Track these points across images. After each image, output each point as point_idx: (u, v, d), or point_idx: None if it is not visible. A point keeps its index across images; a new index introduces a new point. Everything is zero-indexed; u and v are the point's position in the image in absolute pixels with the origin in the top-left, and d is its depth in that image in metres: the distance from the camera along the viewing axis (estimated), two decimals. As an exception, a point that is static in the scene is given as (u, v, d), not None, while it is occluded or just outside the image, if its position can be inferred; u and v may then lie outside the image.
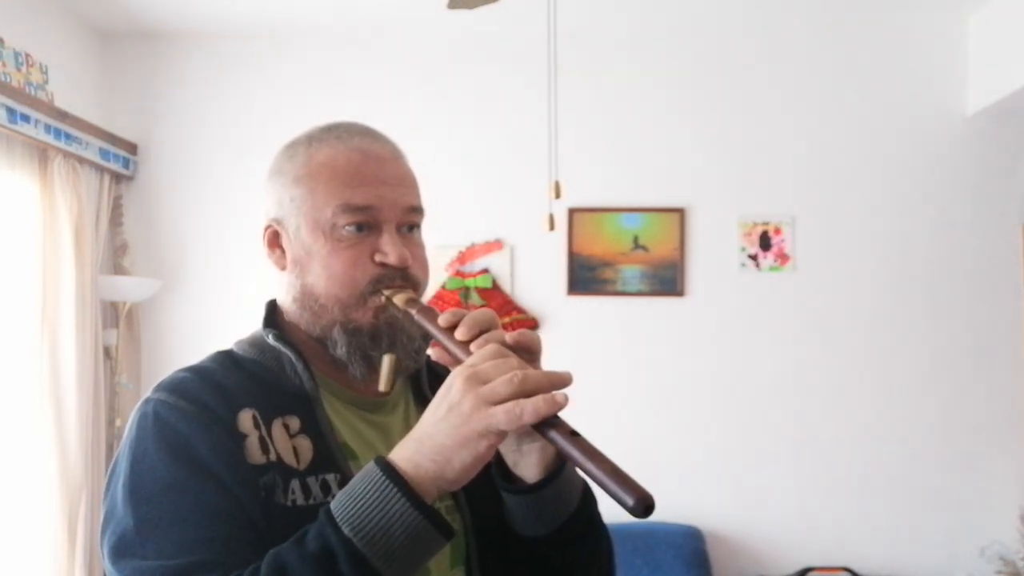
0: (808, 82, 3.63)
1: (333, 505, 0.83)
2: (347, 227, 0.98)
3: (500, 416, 0.79)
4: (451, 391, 0.83)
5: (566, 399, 0.80)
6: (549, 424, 0.80)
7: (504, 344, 0.88)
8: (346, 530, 0.80)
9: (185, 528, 0.85)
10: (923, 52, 3.60)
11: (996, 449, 3.50)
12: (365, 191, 0.99)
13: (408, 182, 1.04)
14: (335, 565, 0.79)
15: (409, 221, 1.02)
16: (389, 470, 0.82)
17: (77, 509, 3.24)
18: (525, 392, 0.80)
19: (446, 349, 0.92)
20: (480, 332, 0.90)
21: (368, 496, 0.81)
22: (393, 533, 0.80)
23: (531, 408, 0.79)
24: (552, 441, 0.80)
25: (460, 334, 0.90)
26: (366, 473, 0.83)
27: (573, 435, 0.79)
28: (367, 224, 0.99)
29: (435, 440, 0.82)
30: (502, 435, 0.82)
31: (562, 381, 0.82)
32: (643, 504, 0.73)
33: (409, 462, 0.83)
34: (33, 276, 3.18)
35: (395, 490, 0.81)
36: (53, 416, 3.18)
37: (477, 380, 0.82)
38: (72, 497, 3.23)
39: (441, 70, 3.72)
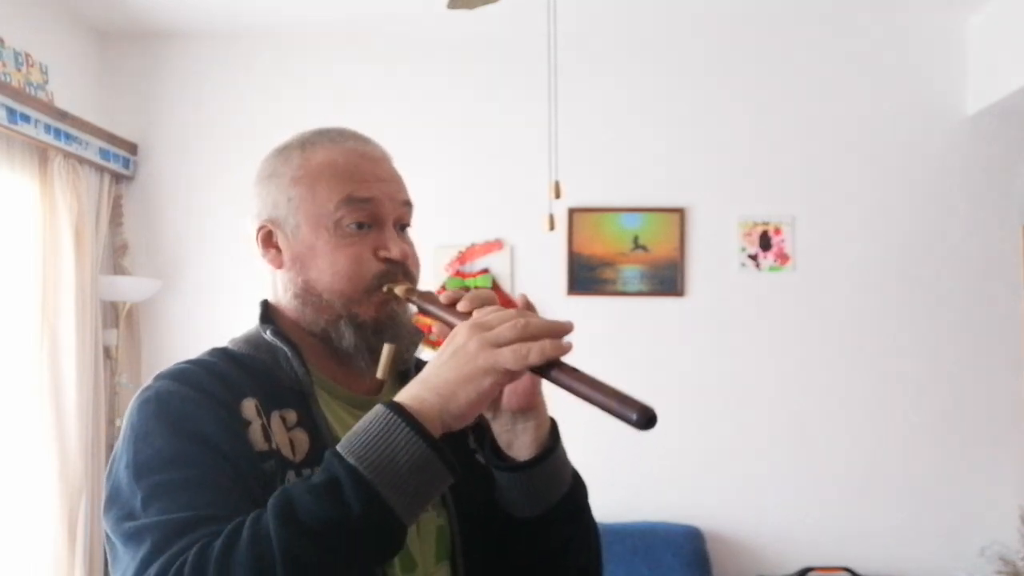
0: (808, 82, 3.63)
1: (339, 445, 0.84)
2: (350, 224, 1.02)
3: (507, 355, 0.83)
4: (456, 337, 0.86)
5: (570, 345, 0.84)
6: (550, 365, 0.84)
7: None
8: (351, 460, 0.81)
9: (189, 493, 0.86)
10: (923, 52, 3.60)
11: (996, 449, 3.50)
12: (367, 186, 1.03)
13: (399, 180, 1.09)
14: (341, 492, 0.79)
15: (404, 217, 1.07)
16: (394, 405, 0.84)
17: (77, 509, 3.24)
18: (530, 336, 0.84)
19: (447, 324, 0.95)
20: (481, 305, 0.94)
21: (372, 429, 0.83)
22: (399, 461, 0.81)
23: (538, 349, 0.83)
24: (554, 379, 0.84)
25: (462, 306, 0.94)
26: (371, 413, 0.85)
27: (574, 371, 0.83)
28: (368, 222, 1.03)
29: (440, 376, 0.85)
30: (507, 375, 0.84)
31: (564, 329, 0.86)
32: (645, 416, 0.78)
33: (414, 398, 0.85)
34: (33, 276, 3.18)
35: (400, 421, 0.82)
36: (53, 416, 3.18)
37: (481, 327, 0.86)
38: (72, 497, 3.23)
39: (441, 70, 3.72)
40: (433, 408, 0.84)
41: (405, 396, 0.86)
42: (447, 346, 0.87)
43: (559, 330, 0.85)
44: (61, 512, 3.18)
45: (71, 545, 3.21)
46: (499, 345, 0.83)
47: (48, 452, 3.16)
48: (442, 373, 0.85)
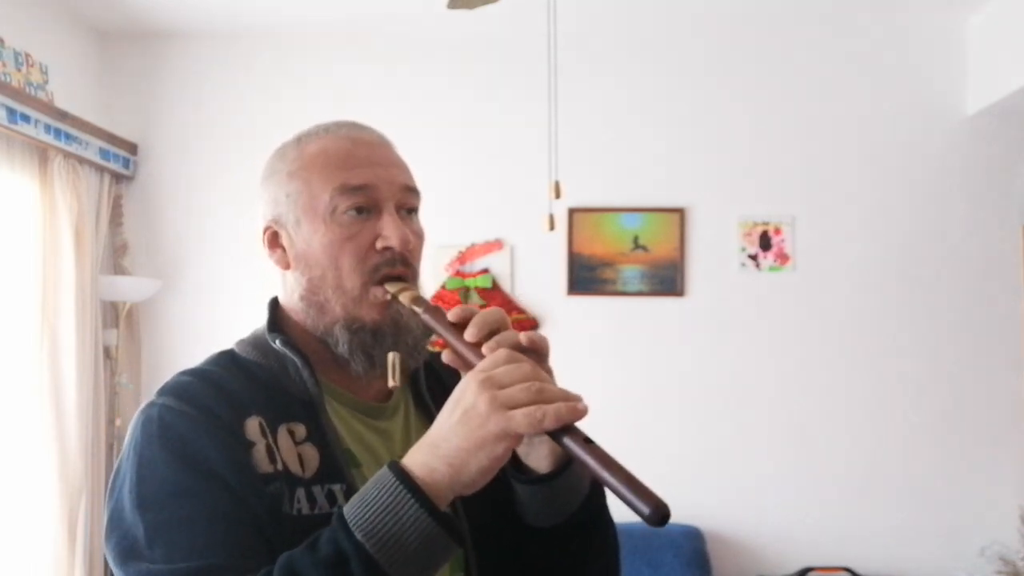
0: (808, 82, 3.63)
1: (346, 509, 0.82)
2: (347, 211, 0.98)
3: (520, 419, 0.78)
4: (465, 395, 0.81)
5: (586, 408, 0.80)
6: (564, 430, 0.79)
7: (516, 345, 0.87)
8: (359, 535, 0.79)
9: (194, 532, 0.85)
10: (923, 52, 3.60)
11: (996, 449, 3.50)
12: (360, 171, 0.99)
13: (400, 164, 1.04)
14: (347, 569, 0.78)
15: (407, 202, 1.02)
16: (403, 476, 0.81)
17: (77, 509, 3.24)
18: (544, 400, 0.79)
19: (455, 351, 0.90)
20: (490, 333, 0.88)
21: (381, 501, 0.80)
22: (406, 539, 0.79)
23: (552, 413, 0.78)
24: (566, 448, 0.79)
25: (470, 335, 0.88)
26: (379, 478, 0.82)
27: (587, 442, 0.78)
28: (366, 207, 0.99)
29: (451, 443, 0.81)
30: (519, 438, 0.81)
31: (577, 399, 0.81)
32: (659, 513, 0.72)
33: (424, 467, 0.81)
34: (33, 276, 3.18)
35: (409, 496, 0.80)
36: (53, 416, 3.18)
37: (492, 384, 0.80)
38: (72, 497, 3.23)
39: (441, 70, 3.72)
40: (444, 479, 0.81)
41: (415, 464, 0.82)
42: (456, 403, 0.82)
43: (573, 397, 0.81)
44: (61, 512, 3.18)
45: (71, 545, 3.21)
46: (511, 407, 0.79)
47: (48, 452, 3.16)
48: (452, 440, 0.81)
